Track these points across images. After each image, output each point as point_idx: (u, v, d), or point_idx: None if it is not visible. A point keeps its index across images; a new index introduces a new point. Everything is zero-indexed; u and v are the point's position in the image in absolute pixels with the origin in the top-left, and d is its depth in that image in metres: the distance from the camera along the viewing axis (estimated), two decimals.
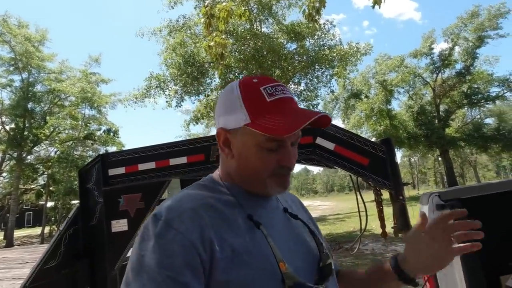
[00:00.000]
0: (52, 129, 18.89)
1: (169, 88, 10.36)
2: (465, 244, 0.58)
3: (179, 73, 9.69)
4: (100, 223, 2.42)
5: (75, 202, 21.90)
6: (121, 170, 2.47)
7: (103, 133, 21.29)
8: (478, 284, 1.15)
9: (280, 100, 0.61)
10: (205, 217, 0.55)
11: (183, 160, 2.40)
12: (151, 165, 2.42)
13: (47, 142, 19.75)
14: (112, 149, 21.12)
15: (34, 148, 19.30)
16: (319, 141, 2.29)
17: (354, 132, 2.50)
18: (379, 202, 2.33)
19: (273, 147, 0.61)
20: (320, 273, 0.63)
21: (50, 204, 21.65)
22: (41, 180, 21.31)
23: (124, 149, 21.10)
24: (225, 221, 0.57)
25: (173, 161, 2.40)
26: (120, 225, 2.39)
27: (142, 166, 2.43)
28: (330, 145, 2.27)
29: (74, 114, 19.07)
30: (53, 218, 23.02)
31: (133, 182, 2.44)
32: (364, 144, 2.28)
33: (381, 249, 7.16)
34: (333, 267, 0.65)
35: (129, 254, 2.62)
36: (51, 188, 19.54)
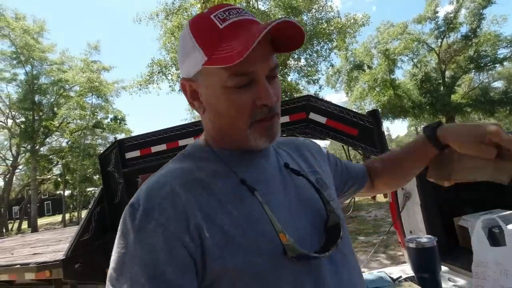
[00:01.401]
0: (61, 120, 19.34)
1: (171, 73, 10.49)
2: None
3: None
4: (123, 201, 2.76)
5: (91, 189, 22.84)
6: (136, 153, 2.77)
7: (110, 121, 21.70)
8: (434, 225, 1.42)
9: (235, 24, 0.50)
10: (190, 199, 0.49)
11: (191, 140, 2.68)
12: (162, 147, 2.70)
13: (57, 133, 20.30)
14: (120, 136, 21.64)
15: (46, 140, 19.91)
16: (312, 116, 2.53)
17: (358, 104, 2.72)
18: None
19: (241, 83, 0.50)
20: (328, 235, 0.55)
21: (67, 192, 22.62)
22: (57, 170, 22.14)
23: (132, 135, 21.54)
24: (214, 197, 0.51)
25: (182, 142, 2.68)
26: None
27: (154, 149, 2.72)
28: (322, 119, 2.51)
29: (82, 103, 19.39)
30: (71, 205, 24.13)
31: (148, 163, 2.74)
32: (353, 116, 2.51)
33: (383, 215, 7.54)
34: (342, 228, 0.56)
35: None
36: (67, 178, 20.35)
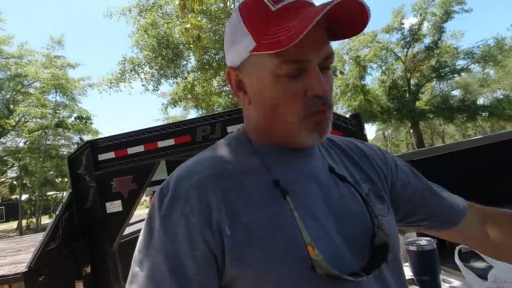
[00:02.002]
0: (18, 119, 17.87)
1: (145, 72, 10.12)
2: None
3: (154, 55, 9.46)
4: (95, 206, 2.55)
5: (52, 193, 21.27)
6: (111, 155, 2.58)
7: (74, 121, 20.44)
8: None
9: (290, 5, 0.45)
10: (217, 192, 0.46)
11: (170, 142, 2.55)
12: (140, 148, 2.55)
13: (14, 132, 18.72)
14: (87, 137, 20.44)
15: (0, 140, 18.29)
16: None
17: None
18: None
19: (292, 71, 0.45)
20: (372, 256, 0.47)
21: (24, 196, 20.91)
22: (12, 173, 20.40)
23: (100, 136, 20.46)
24: (243, 193, 0.47)
25: (161, 144, 2.55)
26: (114, 206, 2.54)
27: (131, 150, 2.56)
28: None
29: (43, 101, 18.06)
30: (28, 211, 22.32)
31: (124, 165, 2.57)
32: (337, 119, 2.53)
33: None
34: (390, 249, 0.47)
35: (125, 232, 2.79)
36: (24, 181, 18.80)
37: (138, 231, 3.41)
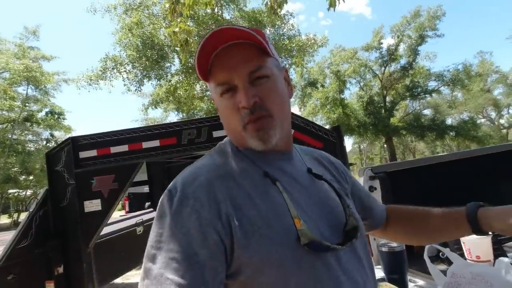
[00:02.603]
0: None
1: (127, 71, 9.91)
2: None
3: (137, 55, 9.31)
4: (72, 204, 2.49)
5: (14, 191, 19.92)
6: (92, 153, 2.54)
7: (46, 115, 19.43)
8: None
9: (212, 37, 0.56)
10: (222, 190, 0.53)
11: (156, 143, 2.55)
12: (124, 148, 2.53)
13: None
14: (58, 133, 19.50)
15: None
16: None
17: (310, 119, 2.88)
18: None
19: (223, 90, 0.58)
20: (345, 237, 0.57)
21: None
22: None
23: (74, 133, 19.59)
24: (244, 190, 0.54)
25: (146, 144, 2.55)
26: (93, 205, 2.49)
27: (114, 149, 2.53)
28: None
29: (11, 93, 17.04)
30: None
31: (106, 164, 2.53)
32: (318, 130, 2.66)
33: None
34: (359, 230, 0.59)
35: (103, 232, 2.73)
36: None
37: (116, 231, 3.35)
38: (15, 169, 17.82)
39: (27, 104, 17.98)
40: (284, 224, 0.52)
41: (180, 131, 2.60)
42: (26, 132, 19.08)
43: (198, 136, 2.59)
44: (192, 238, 0.48)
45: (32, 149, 18.84)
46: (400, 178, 1.62)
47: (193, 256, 0.47)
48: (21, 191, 20.42)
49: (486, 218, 0.64)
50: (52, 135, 19.62)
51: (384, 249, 1.15)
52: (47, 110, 19.44)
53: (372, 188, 1.63)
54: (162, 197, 0.54)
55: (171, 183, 0.55)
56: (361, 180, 1.69)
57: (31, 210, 2.43)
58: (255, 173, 0.58)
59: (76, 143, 2.56)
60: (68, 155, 2.55)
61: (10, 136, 17.07)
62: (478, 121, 22.60)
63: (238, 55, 0.57)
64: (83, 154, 2.56)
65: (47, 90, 18.21)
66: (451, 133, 19.69)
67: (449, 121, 22.83)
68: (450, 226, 0.71)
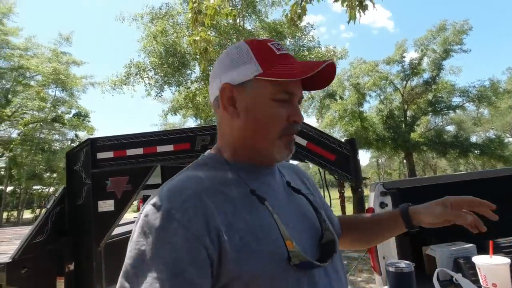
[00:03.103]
0: (14, 110, 17.74)
1: (149, 77, 10.26)
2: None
3: (160, 62, 9.63)
4: (87, 203, 2.57)
5: (38, 187, 20.80)
6: (109, 154, 2.62)
7: (73, 117, 20.34)
8: (405, 252, 1.51)
9: (287, 55, 0.60)
10: (209, 203, 0.51)
11: (169, 148, 2.61)
12: (139, 151, 2.60)
13: (8, 122, 18.53)
14: (82, 133, 20.30)
15: None
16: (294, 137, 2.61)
17: (328, 131, 2.85)
18: (341, 193, 2.70)
19: (285, 98, 0.58)
20: (322, 250, 0.59)
21: (9, 188, 20.43)
22: (1, 162, 20.02)
23: (96, 133, 20.35)
24: (230, 204, 0.53)
25: (160, 148, 2.60)
26: (106, 205, 2.56)
27: (130, 152, 2.61)
28: (303, 141, 2.59)
29: (42, 94, 18.02)
30: (11, 204, 21.75)
31: (121, 166, 2.61)
32: (332, 142, 2.63)
33: None
34: (336, 245, 0.62)
35: (114, 232, 2.79)
36: (12, 172, 18.44)
37: (127, 232, 3.41)
38: (41, 166, 18.66)
39: (56, 106, 18.91)
40: (274, 242, 0.52)
41: (194, 136, 2.64)
42: (53, 132, 20.00)
43: (211, 142, 2.62)
44: (179, 255, 0.46)
45: (58, 148, 19.69)
46: (414, 196, 1.56)
47: (180, 274, 0.45)
48: (44, 187, 21.29)
49: (415, 214, 0.73)
50: (76, 135, 20.46)
51: (391, 269, 1.10)
52: (74, 111, 20.36)
53: (383, 205, 1.58)
54: (144, 211, 0.51)
55: (153, 196, 0.53)
56: (371, 195, 1.65)
57: (48, 206, 2.53)
58: (241, 187, 0.57)
59: (95, 144, 2.65)
60: (87, 155, 2.65)
61: (38, 135, 17.94)
62: (506, 140, 21.48)
63: (316, 85, 0.65)
64: (101, 155, 2.65)
65: (73, 92, 19.07)
66: (475, 151, 18.82)
67: (473, 138, 21.93)
68: (389, 226, 0.79)
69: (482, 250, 1.45)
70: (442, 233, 1.62)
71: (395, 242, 1.53)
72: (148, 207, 0.51)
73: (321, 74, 0.58)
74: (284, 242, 0.52)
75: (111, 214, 2.56)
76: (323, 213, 0.68)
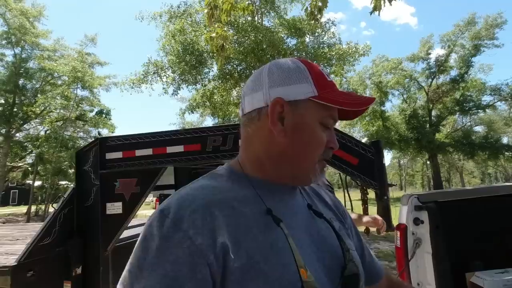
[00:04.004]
0: (43, 108, 18.54)
1: (167, 75, 10.29)
2: None
3: (177, 60, 9.63)
4: (95, 205, 2.48)
5: (64, 182, 21.67)
6: (118, 155, 2.52)
7: (95, 115, 21.00)
8: (445, 279, 1.27)
9: (334, 83, 0.61)
10: (219, 217, 0.48)
11: (180, 148, 2.47)
12: (148, 151, 2.48)
13: (37, 120, 19.40)
14: (103, 130, 20.91)
15: (24, 126, 18.94)
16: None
17: (347, 131, 2.62)
18: (364, 201, 2.46)
19: (328, 124, 0.59)
20: (344, 284, 0.54)
21: (37, 183, 21.41)
22: (29, 159, 21.00)
23: (116, 131, 20.91)
24: (242, 221, 0.50)
25: (170, 149, 2.47)
26: (114, 207, 2.46)
27: (139, 152, 2.49)
28: None
29: (67, 94, 18.72)
30: (39, 198, 22.80)
31: (130, 167, 2.50)
32: (355, 145, 2.39)
33: (387, 256, 7.36)
34: (360, 279, 0.57)
35: (122, 236, 2.71)
36: (39, 168, 19.29)
37: (135, 236, 3.30)
38: (66, 163, 19.40)
39: (80, 104, 19.59)
40: (286, 267, 0.48)
41: (205, 137, 2.49)
42: (78, 129, 20.74)
43: (223, 143, 2.46)
44: (180, 268, 0.44)
45: (81, 145, 20.41)
46: (456, 211, 1.32)
47: None
48: (69, 183, 22.17)
49: None
50: (99, 133, 21.10)
51: None
52: (96, 109, 21.00)
53: (417, 221, 1.35)
54: (151, 217, 0.50)
55: (163, 203, 0.51)
56: (404, 209, 1.42)
57: (56, 207, 2.46)
58: (257, 205, 0.54)
59: (104, 144, 2.56)
60: (96, 155, 2.56)
61: (62, 133, 18.65)
62: None
63: (346, 115, 0.64)
64: (110, 156, 2.56)
65: (93, 90, 19.65)
66: (507, 153, 17.66)
67: (505, 140, 20.62)
68: None
69: None
70: (488, 257, 1.37)
71: (433, 266, 1.29)
72: (156, 214, 0.49)
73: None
74: (298, 269, 0.48)
75: (119, 217, 2.46)
76: (350, 241, 0.63)
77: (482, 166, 26.31)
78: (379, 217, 1.91)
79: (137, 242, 0.48)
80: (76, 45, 19.85)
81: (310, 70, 0.59)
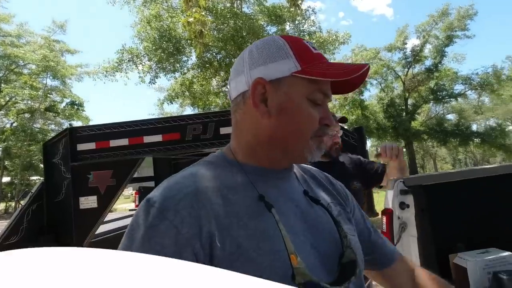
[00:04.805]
0: (8, 99, 17.35)
1: (143, 63, 9.88)
2: None
3: (154, 47, 9.25)
4: (67, 199, 2.34)
5: (35, 178, 20.65)
6: (91, 146, 2.37)
7: (67, 106, 19.97)
8: (429, 260, 1.28)
9: (322, 55, 0.58)
10: (207, 205, 0.48)
11: (158, 138, 2.35)
12: (124, 141, 2.34)
13: (1, 112, 18.18)
14: (77, 123, 20.00)
15: None
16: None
17: None
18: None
19: (319, 100, 0.55)
20: (341, 271, 0.53)
21: (6, 179, 20.25)
22: None
23: (90, 123, 20.05)
24: (232, 208, 0.50)
25: (148, 139, 2.35)
26: (89, 201, 2.32)
27: (114, 142, 2.35)
28: None
29: (34, 83, 17.58)
30: (9, 195, 21.63)
31: (104, 158, 2.35)
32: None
33: None
34: (357, 265, 0.55)
35: (98, 231, 2.57)
36: (6, 163, 18.21)
37: (112, 230, 3.17)
38: (36, 157, 18.40)
39: (49, 95, 18.50)
40: (276, 254, 0.47)
41: (185, 126, 2.38)
42: (49, 122, 19.66)
43: (204, 132, 2.36)
44: (165, 257, 0.38)
45: None
46: (441, 194, 1.32)
47: None
48: (41, 178, 21.16)
49: None
50: (71, 125, 20.15)
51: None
52: (68, 100, 19.95)
53: (403, 205, 1.34)
54: (139, 205, 0.49)
55: (152, 191, 0.51)
56: (389, 194, 1.40)
57: (23, 203, 2.28)
58: (249, 192, 0.53)
59: (74, 134, 2.40)
60: (66, 146, 2.40)
61: (31, 125, 17.60)
62: (507, 129, 21.30)
63: (343, 88, 0.60)
64: (81, 147, 2.40)
65: (65, 81, 18.64)
66: (476, 139, 18.65)
67: (474, 127, 21.71)
68: None
69: None
70: (470, 237, 1.39)
71: (418, 249, 1.29)
72: (142, 203, 0.49)
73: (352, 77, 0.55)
74: (289, 256, 0.47)
75: (94, 211, 2.33)
76: (349, 227, 0.61)
77: (454, 152, 27.75)
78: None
79: (125, 232, 0.48)
80: (44, 31, 18.61)
81: (292, 45, 0.55)
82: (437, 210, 1.35)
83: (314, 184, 0.66)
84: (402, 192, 1.33)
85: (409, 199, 1.32)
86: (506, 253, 1.27)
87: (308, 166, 0.71)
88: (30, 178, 20.15)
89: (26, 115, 18.21)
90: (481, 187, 1.35)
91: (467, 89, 19.06)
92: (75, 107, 19.95)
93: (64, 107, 19.77)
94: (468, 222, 1.38)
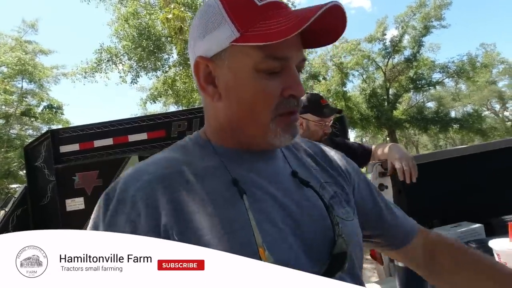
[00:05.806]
0: None
1: (123, 63, 9.67)
2: None
3: (133, 46, 9.07)
4: (53, 202, 2.31)
5: (15, 186, 19.91)
6: (74, 147, 2.34)
7: (44, 110, 19.26)
8: None
9: (273, 4, 0.45)
10: (167, 194, 0.44)
11: (143, 136, 2.35)
12: (108, 141, 2.33)
13: None
14: (56, 127, 19.37)
15: None
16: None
17: None
18: None
19: (274, 67, 0.45)
20: (331, 262, 0.46)
21: None
22: None
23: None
24: (197, 195, 0.45)
25: (132, 137, 2.34)
26: (76, 203, 2.30)
27: (98, 143, 2.33)
28: None
29: (7, 87, 16.83)
30: None
31: (88, 159, 2.33)
32: None
33: None
34: (347, 257, 0.48)
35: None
36: None
37: None
38: (15, 164, 17.71)
39: (24, 99, 17.79)
40: (243, 246, 0.42)
41: (170, 123, 2.39)
42: (26, 127, 18.92)
43: (189, 128, 2.38)
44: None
45: None
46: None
47: None
48: (21, 185, 20.41)
49: None
50: (49, 129, 19.50)
51: (401, 264, 0.94)
52: (45, 104, 19.25)
53: (382, 187, 1.42)
54: (99, 199, 0.47)
55: (114, 182, 0.48)
56: (370, 178, 1.48)
57: (7, 209, 2.24)
58: (221, 177, 0.47)
59: (56, 136, 2.36)
60: (48, 149, 2.36)
61: (7, 131, 16.91)
62: (483, 114, 22.20)
63: (299, 36, 0.46)
64: (64, 149, 2.37)
65: (43, 84, 17.97)
66: (455, 125, 19.37)
67: (453, 113, 22.50)
68: None
69: (489, 230, 1.33)
70: (444, 213, 1.48)
71: None
72: (102, 196, 0.47)
73: (326, 23, 0.44)
74: (258, 249, 0.41)
75: (81, 213, 2.31)
76: (348, 210, 0.54)
77: (435, 139, 28.66)
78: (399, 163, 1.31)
79: (88, 225, 0.46)
80: (14, 31, 17.78)
81: (228, 4, 0.45)
82: (413, 191, 1.44)
83: (308, 162, 0.57)
84: (380, 175, 1.41)
85: (387, 181, 1.40)
86: (477, 225, 1.38)
87: (304, 140, 0.62)
88: (9, 186, 19.40)
89: (1, 120, 17.45)
90: (452, 167, 1.45)
91: (444, 77, 19.72)
92: (53, 110, 19.29)
93: (41, 111, 19.07)
94: (442, 200, 1.48)
